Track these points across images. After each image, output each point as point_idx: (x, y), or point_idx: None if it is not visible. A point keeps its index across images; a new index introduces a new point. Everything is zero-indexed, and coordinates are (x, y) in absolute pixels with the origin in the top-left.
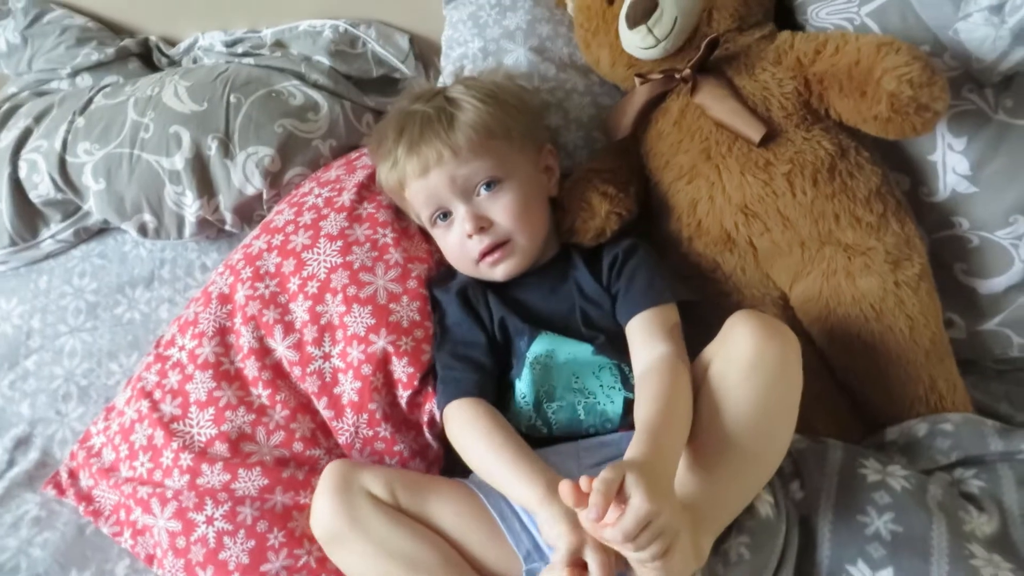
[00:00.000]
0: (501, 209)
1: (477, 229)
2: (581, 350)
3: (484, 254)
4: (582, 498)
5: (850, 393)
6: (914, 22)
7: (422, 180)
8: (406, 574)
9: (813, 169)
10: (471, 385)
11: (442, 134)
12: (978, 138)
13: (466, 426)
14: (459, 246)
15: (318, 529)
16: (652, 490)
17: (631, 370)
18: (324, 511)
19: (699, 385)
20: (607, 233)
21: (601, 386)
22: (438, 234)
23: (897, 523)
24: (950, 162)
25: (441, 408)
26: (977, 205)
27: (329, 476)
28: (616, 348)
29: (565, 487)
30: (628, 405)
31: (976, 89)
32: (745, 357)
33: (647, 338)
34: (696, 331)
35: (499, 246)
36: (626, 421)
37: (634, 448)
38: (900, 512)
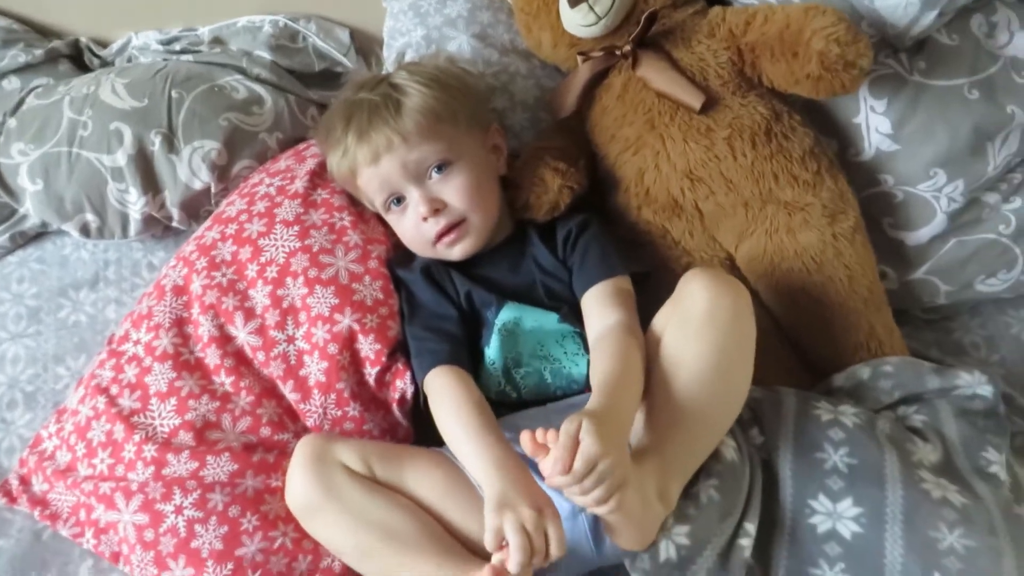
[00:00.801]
0: (453, 190)
1: (432, 211)
2: (547, 319)
3: (440, 235)
4: (539, 448)
5: (797, 345)
6: None
7: (373, 167)
8: (383, 543)
9: (751, 132)
10: (445, 355)
11: (390, 121)
12: (897, 99)
13: (438, 396)
14: (414, 229)
15: (293, 501)
16: (601, 436)
17: None
18: (298, 483)
19: (657, 341)
20: (560, 207)
21: (565, 353)
22: (393, 219)
23: (852, 456)
24: (873, 123)
25: (420, 381)
26: (900, 162)
27: (302, 449)
28: (579, 317)
29: (525, 437)
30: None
31: (892, 54)
32: (700, 310)
33: (600, 308)
34: (650, 298)
35: (454, 226)
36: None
37: (591, 402)
38: (854, 446)
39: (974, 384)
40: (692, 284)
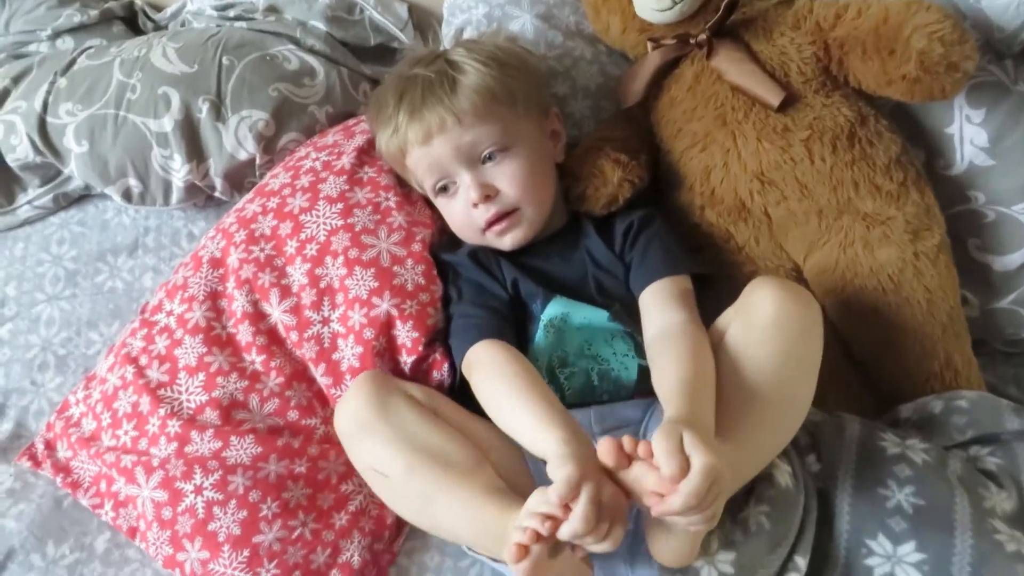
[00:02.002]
0: (507, 177)
1: (483, 198)
2: (596, 315)
3: (491, 223)
4: (624, 458)
5: (863, 368)
6: None
7: (424, 148)
8: (432, 467)
9: (832, 135)
10: (492, 329)
11: (444, 99)
12: (997, 110)
13: (485, 367)
14: (464, 215)
15: (343, 420)
16: (711, 446)
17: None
18: (354, 402)
19: (716, 348)
20: (619, 201)
21: (614, 353)
22: (441, 203)
23: (919, 496)
24: (968, 134)
25: (461, 355)
26: (994, 179)
27: (365, 376)
28: (630, 316)
29: (607, 445)
30: (643, 372)
31: (996, 60)
32: (767, 319)
33: (661, 306)
34: (709, 304)
35: (506, 215)
36: (641, 388)
37: (675, 408)
38: (922, 485)
39: None
40: (760, 291)
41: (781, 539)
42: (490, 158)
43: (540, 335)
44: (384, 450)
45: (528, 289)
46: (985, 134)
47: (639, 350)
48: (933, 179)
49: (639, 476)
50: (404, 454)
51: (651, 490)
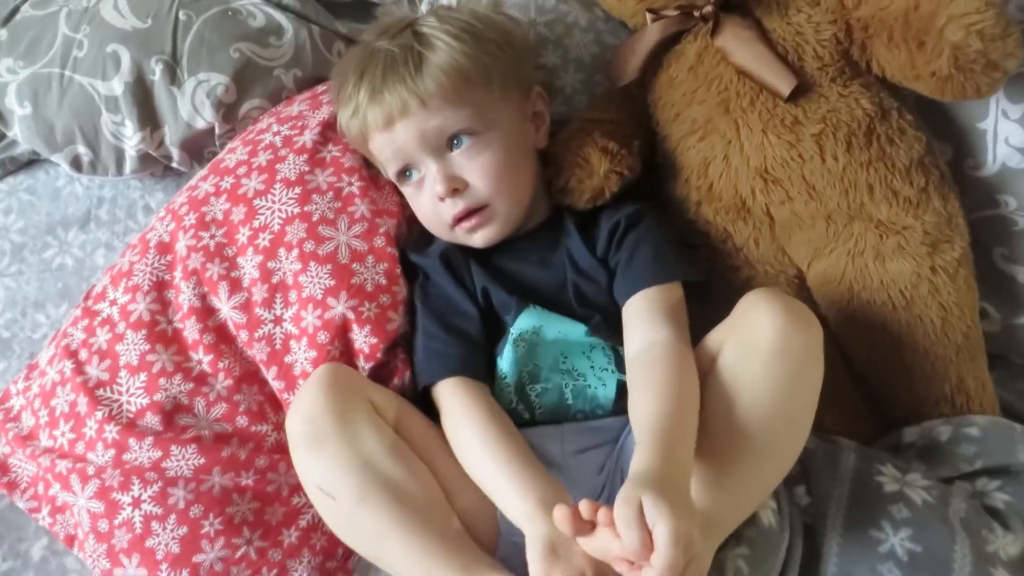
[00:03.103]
0: (478, 169)
1: (450, 192)
2: (573, 329)
3: (459, 219)
4: (583, 526)
5: (866, 387)
6: None
7: (386, 133)
8: (387, 501)
9: (848, 131)
10: (458, 362)
11: (408, 80)
12: None
13: (456, 415)
14: (431, 208)
15: (298, 423)
16: (680, 512)
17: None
18: (312, 405)
19: (706, 372)
20: (605, 195)
21: (592, 367)
22: (408, 192)
23: (915, 541)
24: (1003, 132)
25: (422, 384)
26: None
27: (326, 372)
28: (613, 329)
29: (561, 514)
30: (622, 388)
31: None
32: (767, 344)
33: (646, 320)
34: (700, 308)
35: (476, 211)
36: (619, 405)
37: (644, 458)
38: (919, 529)
39: None
40: (759, 310)
41: None
42: (458, 144)
43: (508, 350)
44: (336, 468)
45: (500, 299)
46: (1023, 132)
47: (620, 364)
48: (959, 180)
49: (604, 544)
50: (357, 479)
51: (618, 557)
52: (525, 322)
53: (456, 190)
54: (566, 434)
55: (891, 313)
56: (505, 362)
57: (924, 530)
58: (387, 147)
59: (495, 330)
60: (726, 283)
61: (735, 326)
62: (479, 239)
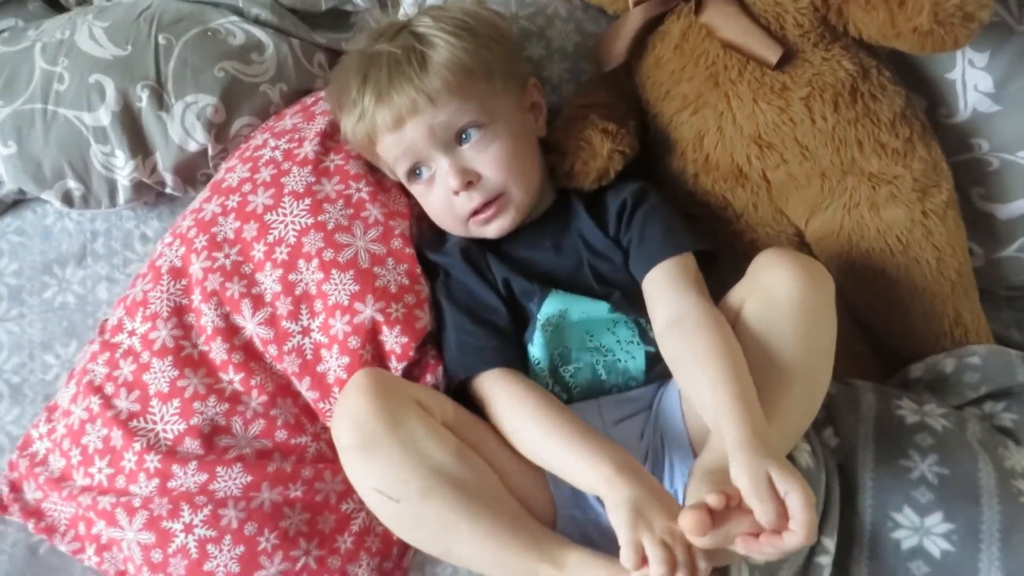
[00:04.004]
0: (489, 160)
1: (464, 185)
2: (596, 308)
3: (475, 212)
4: (704, 522)
5: (870, 331)
6: None
7: (396, 134)
8: (451, 493)
9: (834, 92)
10: (496, 354)
11: (414, 79)
12: (1002, 53)
13: (507, 403)
14: (444, 203)
15: (346, 431)
16: (798, 475)
17: (649, 324)
18: (359, 410)
19: (731, 327)
20: (610, 174)
21: (618, 342)
22: (418, 191)
23: (942, 465)
24: (971, 79)
25: (461, 376)
26: (1000, 125)
27: (365, 378)
28: (632, 303)
29: (694, 519)
30: (650, 359)
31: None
32: (789, 299)
33: (670, 291)
34: (708, 275)
35: (491, 202)
36: (650, 375)
37: (741, 429)
38: (945, 453)
39: None
40: (776, 268)
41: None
42: (467, 138)
43: (538, 336)
44: (396, 471)
45: (522, 288)
46: (990, 78)
47: (644, 336)
48: (935, 128)
49: (728, 528)
50: (419, 477)
51: (745, 532)
52: (551, 307)
53: (470, 183)
54: (603, 407)
55: (889, 259)
56: (536, 348)
57: (949, 454)
58: (396, 147)
59: (521, 319)
60: (731, 248)
61: (754, 285)
62: (494, 229)
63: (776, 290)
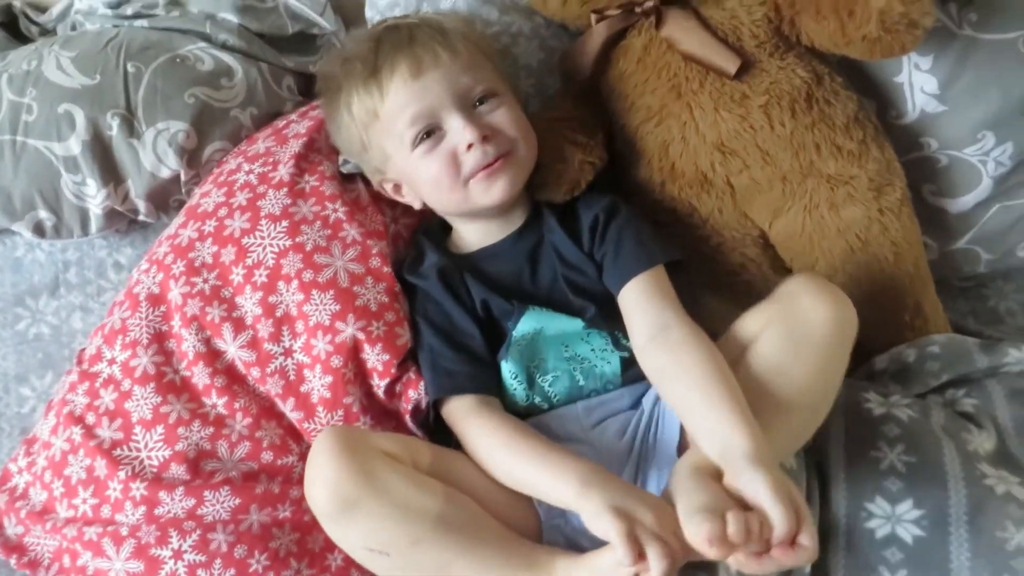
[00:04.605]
0: (502, 118)
1: (482, 137)
2: (571, 324)
3: (485, 167)
4: (726, 546)
5: None
6: None
7: (415, 84)
8: (439, 535)
9: (790, 99)
10: (468, 380)
11: (437, 37)
12: (945, 55)
13: (475, 430)
14: (450, 163)
15: (321, 497)
16: (783, 485)
17: (624, 335)
18: (329, 472)
19: (744, 347)
20: (582, 185)
21: (593, 350)
22: (417, 155)
23: (910, 453)
24: (917, 82)
25: (433, 398)
26: (946, 124)
27: (331, 437)
28: (607, 317)
29: (719, 548)
30: (624, 363)
31: (940, 5)
32: (821, 334)
33: (649, 304)
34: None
35: (499, 157)
36: (626, 377)
37: (752, 442)
38: (911, 442)
39: (1023, 360)
40: (816, 300)
41: None
42: (482, 102)
43: (512, 351)
44: (380, 527)
45: (500, 308)
46: (935, 80)
47: (617, 343)
48: (886, 129)
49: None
50: (404, 527)
51: (754, 547)
52: (526, 325)
53: (486, 137)
54: (581, 411)
55: (850, 256)
56: (511, 363)
57: (916, 442)
58: (412, 104)
59: (497, 337)
60: (698, 252)
61: (782, 311)
62: (498, 188)
63: (811, 323)
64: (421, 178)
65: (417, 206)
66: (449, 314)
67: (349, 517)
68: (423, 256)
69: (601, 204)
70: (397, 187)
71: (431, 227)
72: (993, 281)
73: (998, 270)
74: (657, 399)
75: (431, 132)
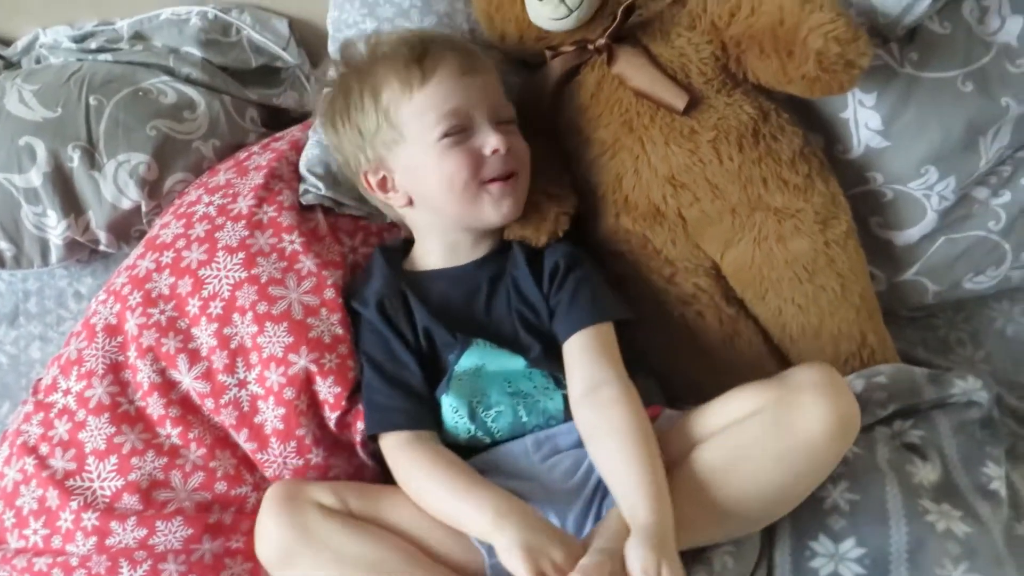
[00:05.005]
0: (518, 144)
1: (506, 148)
2: (513, 362)
3: (501, 177)
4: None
5: (785, 357)
6: None
7: (462, 79)
8: None
9: (738, 134)
10: (402, 416)
11: (479, 51)
12: (887, 92)
13: (406, 466)
14: (472, 161)
15: (265, 551)
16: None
17: (563, 375)
18: (271, 530)
19: (721, 429)
20: (559, 235)
21: (535, 387)
22: (442, 146)
23: (853, 491)
24: (862, 118)
25: (370, 433)
26: (890, 159)
27: (272, 494)
28: (550, 359)
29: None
30: (566, 401)
31: (882, 44)
32: (816, 436)
33: (589, 360)
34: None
35: (511, 176)
36: (569, 414)
37: (649, 515)
38: (854, 480)
39: (969, 391)
40: (814, 400)
41: (744, 572)
42: (505, 123)
43: (453, 387)
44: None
45: (443, 340)
46: (878, 116)
47: (559, 383)
48: (833, 163)
49: None
50: (341, 574)
51: None
52: (467, 361)
53: (509, 150)
54: (531, 444)
55: (798, 287)
56: (451, 398)
57: (859, 479)
58: (452, 99)
59: (438, 370)
60: (650, 287)
61: (780, 399)
62: (507, 206)
63: (804, 429)
64: (436, 171)
65: (399, 204)
66: (387, 345)
67: (292, 568)
68: (370, 279)
69: (563, 252)
70: (383, 181)
71: (390, 244)
72: (943, 311)
73: (948, 301)
74: None
75: (459, 130)
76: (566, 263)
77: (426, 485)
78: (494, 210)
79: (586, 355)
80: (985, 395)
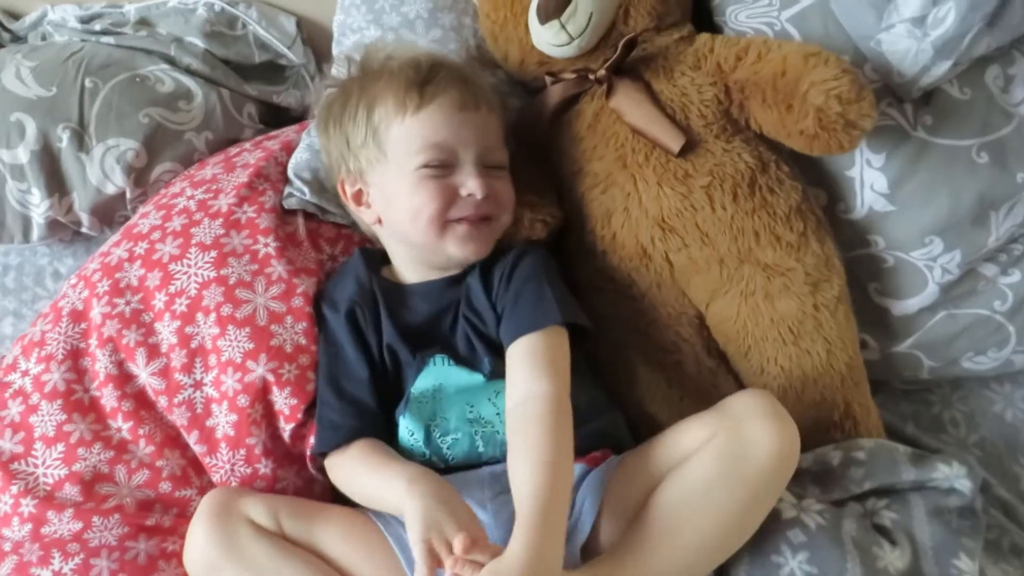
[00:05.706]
0: (503, 188)
1: (484, 193)
2: (472, 379)
3: (472, 220)
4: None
5: None
6: (835, 30)
7: (456, 114)
8: None
9: (733, 183)
10: (352, 434)
11: (488, 93)
12: (897, 155)
13: (350, 465)
14: (446, 197)
15: (191, 560)
16: None
17: None
18: (199, 539)
19: (674, 465)
20: (530, 240)
21: (498, 413)
22: (418, 176)
23: (812, 563)
24: (868, 178)
25: (317, 452)
26: (894, 224)
27: (207, 502)
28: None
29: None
30: None
31: (896, 104)
32: (762, 463)
33: (526, 369)
34: (607, 355)
35: (486, 219)
36: None
37: (526, 541)
38: (815, 551)
39: (952, 477)
40: (757, 425)
41: None
42: (492, 167)
43: (411, 408)
44: None
45: (405, 358)
46: (885, 179)
47: None
48: (834, 222)
49: None
50: None
51: None
52: (424, 381)
53: (487, 196)
54: (487, 477)
55: (782, 348)
56: (409, 420)
57: (818, 552)
58: (442, 132)
59: (397, 388)
60: (633, 325)
61: (728, 429)
62: (471, 248)
63: (751, 456)
64: (407, 199)
65: (369, 221)
66: (344, 357)
67: None
68: (345, 281)
69: (516, 253)
70: (359, 194)
71: (373, 248)
72: (939, 387)
73: (944, 377)
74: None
75: (440, 165)
76: (514, 261)
77: (354, 473)
78: (457, 248)
79: (522, 363)
80: (968, 484)
